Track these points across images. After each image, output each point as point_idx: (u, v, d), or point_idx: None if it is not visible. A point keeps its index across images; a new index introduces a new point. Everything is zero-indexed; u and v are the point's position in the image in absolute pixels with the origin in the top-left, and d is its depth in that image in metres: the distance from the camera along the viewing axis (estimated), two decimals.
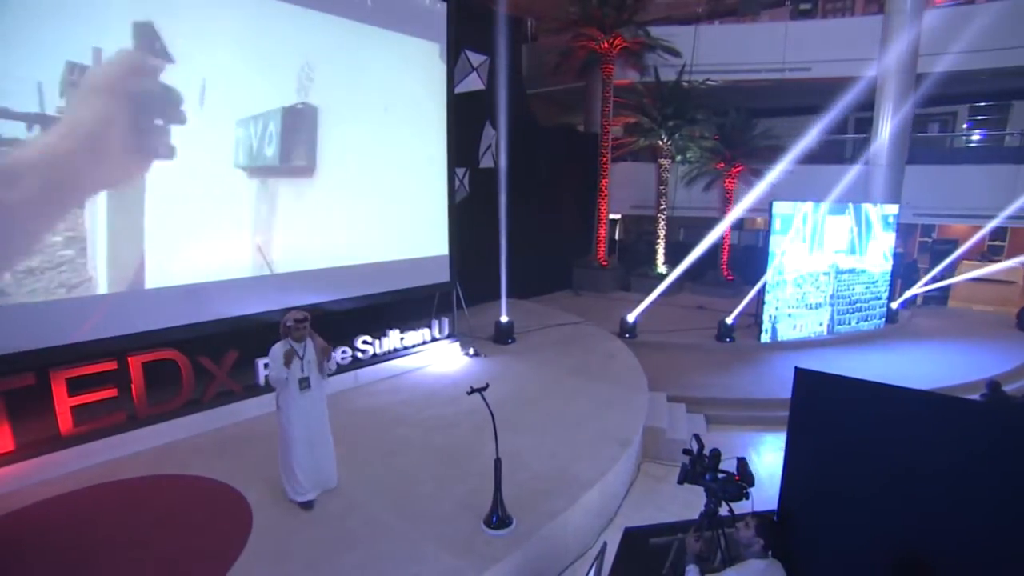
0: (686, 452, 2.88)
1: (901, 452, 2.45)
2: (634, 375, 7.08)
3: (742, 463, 2.79)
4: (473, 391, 3.81)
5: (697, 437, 2.90)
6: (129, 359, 4.83)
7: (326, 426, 4.17)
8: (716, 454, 2.77)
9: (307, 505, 4.04)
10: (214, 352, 5.35)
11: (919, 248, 14.27)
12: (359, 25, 6.23)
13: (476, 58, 7.76)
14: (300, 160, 5.94)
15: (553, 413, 5.89)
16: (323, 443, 4.14)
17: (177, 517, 3.93)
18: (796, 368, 2.62)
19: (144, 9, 4.61)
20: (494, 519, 3.84)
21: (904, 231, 13.72)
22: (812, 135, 10.69)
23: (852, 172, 11.29)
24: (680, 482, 2.85)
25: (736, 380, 7.76)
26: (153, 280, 4.85)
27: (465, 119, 8.32)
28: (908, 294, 11.33)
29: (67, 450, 4.49)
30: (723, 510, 2.91)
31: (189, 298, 5.09)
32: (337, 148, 6.18)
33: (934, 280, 11.45)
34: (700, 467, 2.78)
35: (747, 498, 2.77)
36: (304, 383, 3.97)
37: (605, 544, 3.20)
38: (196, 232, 5.10)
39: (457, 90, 7.61)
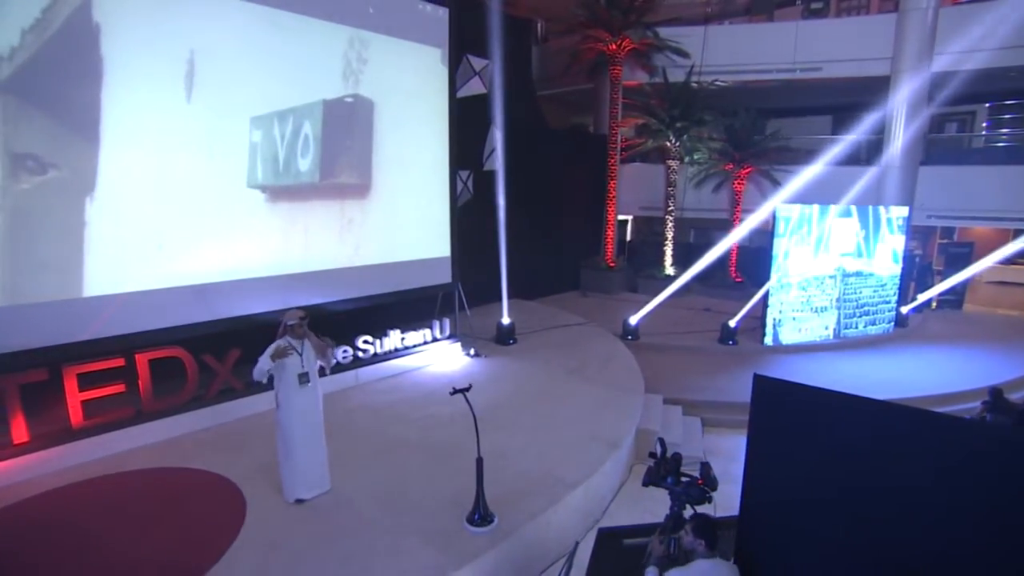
0: (651, 455, 2.95)
1: (859, 461, 2.48)
2: (631, 377, 7.13)
3: (705, 467, 2.86)
4: (456, 392, 3.93)
5: (661, 441, 2.97)
6: (136, 356, 5.05)
7: (320, 422, 4.30)
8: (677, 458, 2.84)
9: (300, 501, 4.20)
10: (218, 350, 5.56)
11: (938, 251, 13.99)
12: (361, 32, 6.39)
13: (478, 62, 7.87)
14: (350, 176, 6.16)
15: (546, 414, 5.98)
16: (317, 440, 4.26)
17: (176, 507, 4.13)
18: (755, 375, 2.67)
19: None
20: (476, 517, 3.95)
21: (923, 233, 13.47)
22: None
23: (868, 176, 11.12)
24: (645, 484, 2.93)
25: (735, 383, 7.74)
26: (157, 281, 5.06)
27: (470, 122, 8.43)
28: (922, 298, 11.12)
29: (77, 442, 4.73)
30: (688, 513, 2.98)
31: (194, 298, 5.30)
32: (340, 153, 6.34)
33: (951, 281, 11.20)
34: (663, 470, 2.86)
35: (709, 502, 2.83)
36: (303, 378, 4.12)
37: (577, 544, 3.29)
38: (196, 235, 5.31)
39: (459, 94, 7.73)
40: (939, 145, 12.93)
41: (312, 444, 4.21)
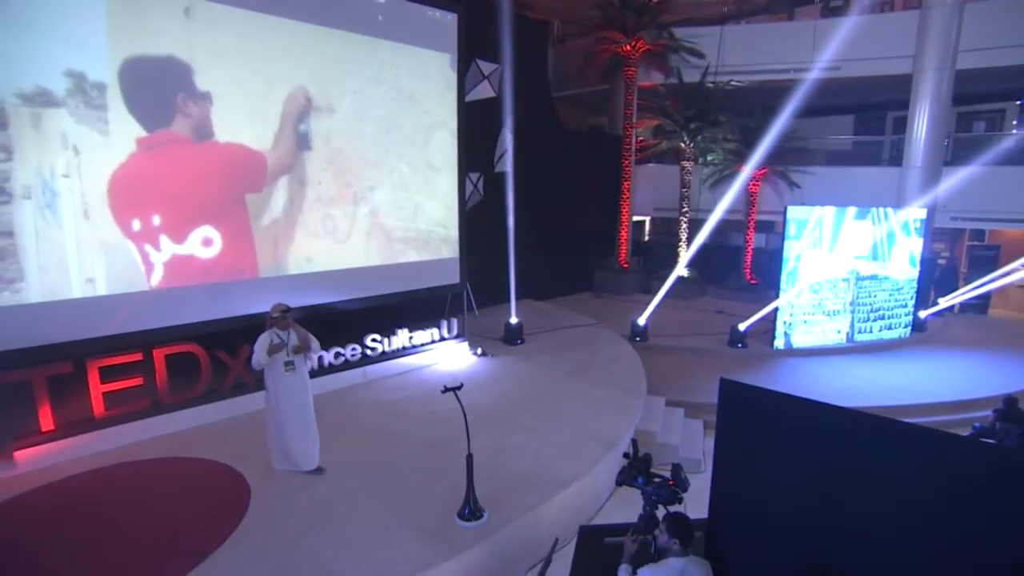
0: (625, 456, 3.04)
1: (822, 465, 2.53)
2: (634, 378, 7.17)
3: (676, 469, 2.93)
4: (447, 390, 4.07)
5: (634, 442, 3.06)
6: (154, 351, 5.35)
7: (309, 405, 4.69)
8: (647, 459, 2.92)
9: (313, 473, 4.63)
10: (231, 346, 5.83)
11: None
12: (371, 39, 6.58)
13: (487, 66, 8.00)
14: (359, 178, 6.70)
15: (547, 413, 6.07)
16: (307, 420, 4.65)
17: (186, 494, 4.39)
18: (721, 378, 2.74)
19: None
20: (466, 511, 4.09)
21: (952, 235, 13.09)
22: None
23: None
24: (618, 484, 3.02)
25: None
26: (173, 280, 5.35)
27: (482, 124, 8.56)
28: (943, 302, 10.83)
29: (98, 431, 5.04)
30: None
31: (209, 297, 5.58)
32: (352, 155, 6.57)
33: (976, 288, 10.87)
34: (635, 471, 2.94)
35: (680, 502, 2.90)
36: (288, 365, 4.53)
37: (557, 540, 3.39)
38: (211, 236, 5.57)
39: (468, 98, 7.87)
40: (966, 144, 12.55)
41: (299, 424, 4.61)
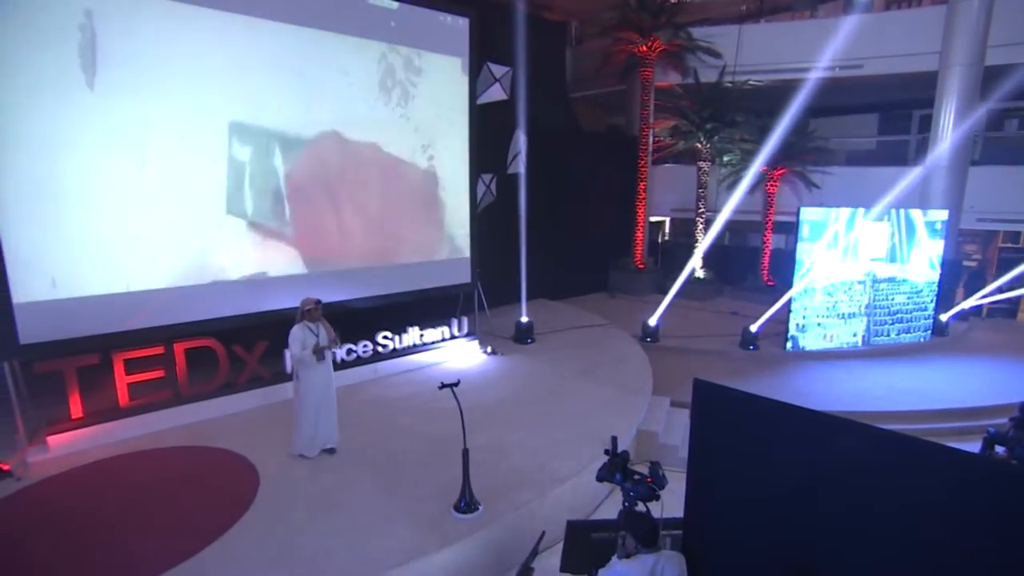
0: (606, 452, 3.14)
1: (792, 468, 2.59)
2: (640, 379, 7.22)
3: (654, 466, 3.01)
4: (443, 386, 4.23)
5: (614, 439, 3.15)
6: (174, 345, 5.65)
7: (332, 391, 5.06)
8: (624, 455, 3.02)
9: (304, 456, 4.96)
10: (247, 342, 6.10)
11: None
12: (382, 44, 6.79)
13: (498, 70, 8.11)
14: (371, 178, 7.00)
15: (550, 412, 6.19)
16: (329, 405, 5.02)
17: (200, 481, 4.65)
18: (695, 379, 2.82)
19: None
20: (462, 504, 4.24)
21: (983, 238, 12.68)
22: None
23: None
24: (598, 480, 3.11)
25: (749, 388, 7.65)
26: (193, 278, 5.64)
27: (496, 126, 8.68)
28: (966, 304, 10.52)
29: (123, 420, 5.36)
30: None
31: (225, 295, 5.86)
32: (362, 153, 6.78)
33: (1000, 290, 10.52)
34: (614, 467, 3.04)
35: (657, 499, 2.99)
36: (320, 355, 4.88)
37: (543, 533, 3.51)
38: (224, 235, 5.85)
39: (479, 101, 8.01)
40: (998, 143, 12.15)
41: (327, 407, 5.00)
